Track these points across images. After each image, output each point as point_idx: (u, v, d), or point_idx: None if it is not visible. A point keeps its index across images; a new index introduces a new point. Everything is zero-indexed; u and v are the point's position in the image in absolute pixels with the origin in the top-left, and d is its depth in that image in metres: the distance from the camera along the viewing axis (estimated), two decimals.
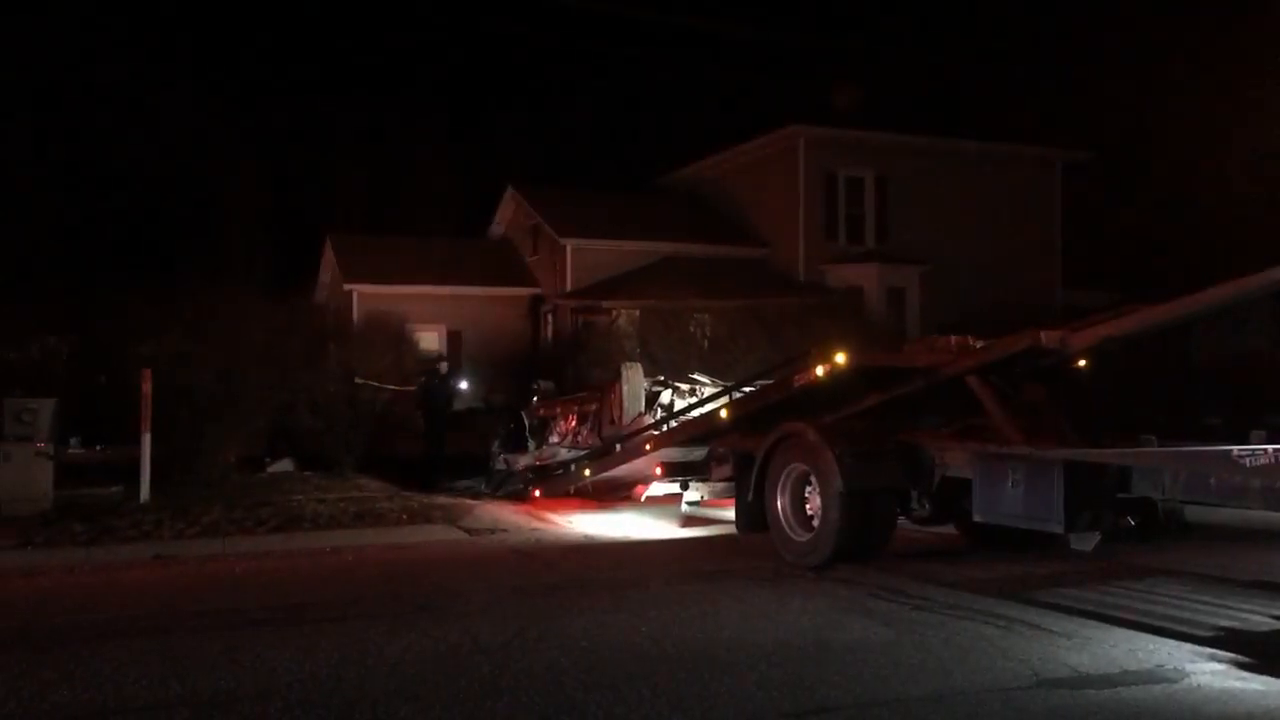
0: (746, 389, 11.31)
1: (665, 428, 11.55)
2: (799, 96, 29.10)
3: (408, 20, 47.86)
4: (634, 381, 12.44)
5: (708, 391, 12.20)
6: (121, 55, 36.18)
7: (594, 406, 13.13)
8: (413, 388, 16.16)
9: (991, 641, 6.23)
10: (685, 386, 12.62)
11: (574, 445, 13.30)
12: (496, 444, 14.66)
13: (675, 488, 11.26)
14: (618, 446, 11.91)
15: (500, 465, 14.39)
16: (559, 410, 14.10)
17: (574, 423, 13.53)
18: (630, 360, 14.76)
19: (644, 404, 12.32)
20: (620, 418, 12.30)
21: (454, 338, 25.62)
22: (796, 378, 9.93)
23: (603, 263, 25.60)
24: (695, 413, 11.45)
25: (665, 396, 12.44)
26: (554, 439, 13.86)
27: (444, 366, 16.60)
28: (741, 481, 9.80)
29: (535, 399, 15.05)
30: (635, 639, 6.41)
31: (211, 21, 43.44)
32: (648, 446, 11.22)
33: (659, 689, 5.37)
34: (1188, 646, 6.11)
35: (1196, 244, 24.18)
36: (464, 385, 17.61)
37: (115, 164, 34.01)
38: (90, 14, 39.88)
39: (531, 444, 14.23)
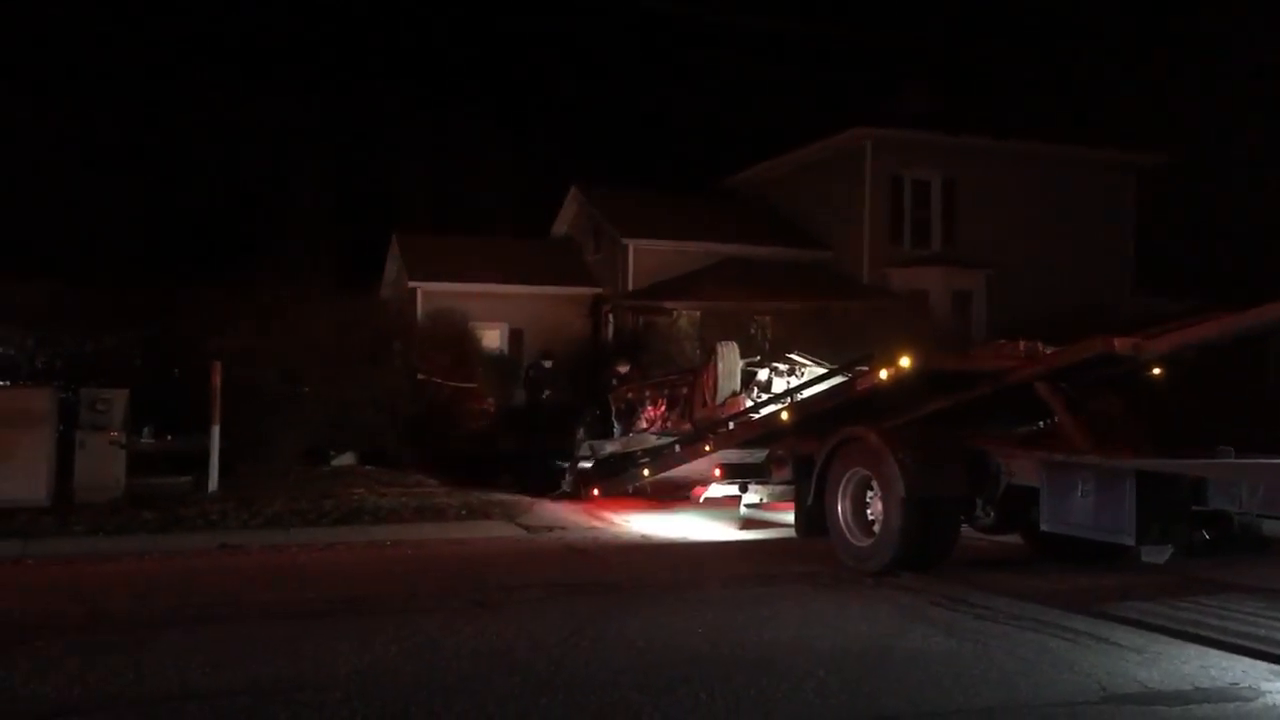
0: (850, 373, 10.48)
1: (760, 415, 10.92)
2: (866, 97, 28.84)
3: (476, 20, 48.32)
4: (729, 360, 11.89)
5: (809, 371, 11.56)
6: (197, 56, 37.08)
7: (685, 389, 12.60)
8: (474, 384, 16.30)
9: (1057, 654, 6.08)
10: (783, 366, 11.96)
11: (663, 430, 12.76)
12: (581, 431, 14.11)
13: (734, 489, 11.08)
14: (710, 435, 11.32)
15: (585, 452, 13.78)
16: (647, 394, 13.54)
17: (663, 407, 13.02)
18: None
19: (739, 384, 11.80)
20: (713, 399, 11.82)
21: (515, 335, 25.76)
22: (859, 381, 9.79)
23: (664, 263, 25.54)
24: (809, 392, 10.76)
25: (762, 375, 11.87)
26: (642, 424, 13.33)
27: (547, 364, 16.78)
28: (801, 485, 9.71)
29: (615, 382, 14.60)
30: (691, 641, 6.37)
31: (283, 23, 44.27)
32: (707, 447, 11.13)
33: (715, 692, 5.32)
34: (1263, 665, 5.90)
35: (1277, 250, 23.45)
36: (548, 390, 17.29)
37: (192, 162, 34.89)
38: (162, 15, 40.96)
39: (618, 429, 13.70)
